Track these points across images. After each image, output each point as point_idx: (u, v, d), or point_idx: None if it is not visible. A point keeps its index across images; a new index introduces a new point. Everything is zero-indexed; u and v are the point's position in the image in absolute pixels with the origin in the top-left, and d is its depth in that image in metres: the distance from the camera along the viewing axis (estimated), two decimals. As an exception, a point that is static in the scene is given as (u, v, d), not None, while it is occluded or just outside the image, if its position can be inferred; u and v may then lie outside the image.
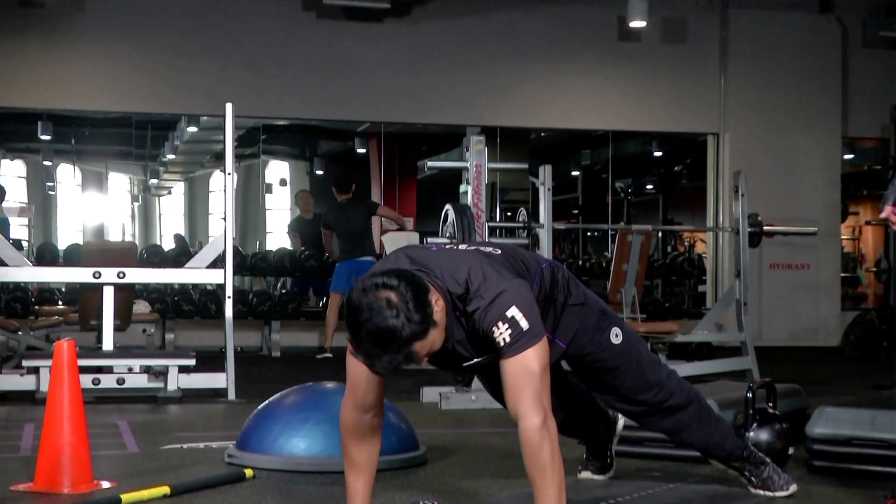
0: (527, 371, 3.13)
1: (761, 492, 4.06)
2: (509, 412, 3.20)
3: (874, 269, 15.33)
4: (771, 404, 4.63)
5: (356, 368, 3.32)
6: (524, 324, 3.14)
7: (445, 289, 3.20)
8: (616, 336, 3.75)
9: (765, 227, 8.79)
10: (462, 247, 3.44)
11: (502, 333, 3.13)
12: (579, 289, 3.68)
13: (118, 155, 16.75)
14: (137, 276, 7.94)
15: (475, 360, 3.34)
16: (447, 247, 3.47)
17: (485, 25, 12.97)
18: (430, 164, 7.72)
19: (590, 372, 3.84)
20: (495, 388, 3.58)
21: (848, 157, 14.84)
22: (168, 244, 15.84)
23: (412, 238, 10.96)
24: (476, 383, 6.96)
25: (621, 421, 4.35)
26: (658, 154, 17.30)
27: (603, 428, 4.33)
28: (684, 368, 7.84)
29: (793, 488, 4.05)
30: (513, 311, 3.15)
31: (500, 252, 3.41)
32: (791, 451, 4.54)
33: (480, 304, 3.17)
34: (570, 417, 4.11)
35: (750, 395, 4.48)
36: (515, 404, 3.14)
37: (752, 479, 4.07)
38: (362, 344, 3.05)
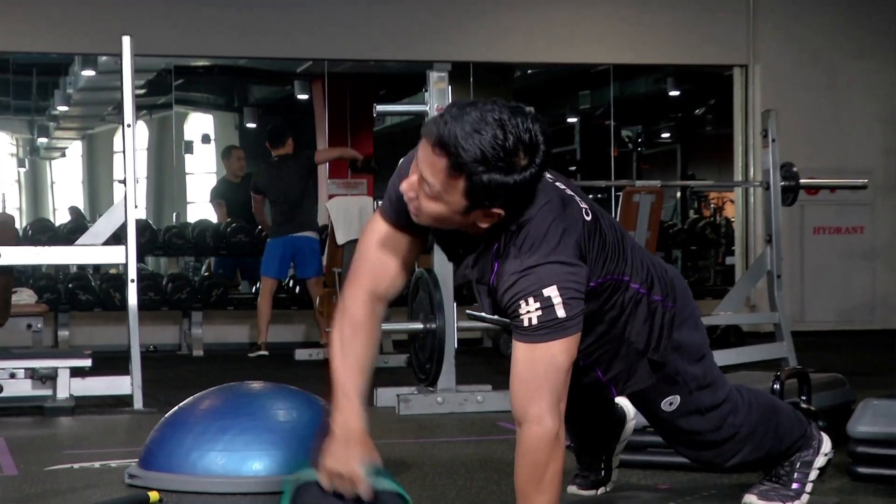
0: (551, 365, 3.16)
1: (754, 498, 4.06)
2: (514, 408, 3.22)
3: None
4: (804, 398, 4.66)
5: (381, 237, 3.41)
6: (560, 311, 3.15)
7: (502, 216, 3.21)
8: (669, 405, 3.76)
9: (802, 181, 8.83)
10: (557, 183, 3.40)
11: (530, 313, 3.15)
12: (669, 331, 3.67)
13: (-7, 108, 16.69)
14: (15, 256, 7.90)
15: (485, 314, 3.39)
16: (554, 181, 3.42)
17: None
18: (379, 108, 7.69)
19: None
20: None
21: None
22: (63, 218, 15.81)
23: (365, 203, 11.00)
24: (442, 381, 6.99)
25: (632, 421, 4.34)
26: (674, 94, 17.34)
27: (607, 426, 4.32)
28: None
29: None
30: (551, 292, 3.15)
31: (589, 218, 3.36)
32: (826, 463, 4.57)
33: (516, 262, 3.20)
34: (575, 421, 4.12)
35: (777, 386, 4.52)
36: (527, 402, 3.16)
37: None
38: (459, 106, 3.07)
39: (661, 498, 4.39)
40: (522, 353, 3.18)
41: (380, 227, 3.42)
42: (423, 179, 3.12)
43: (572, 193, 3.39)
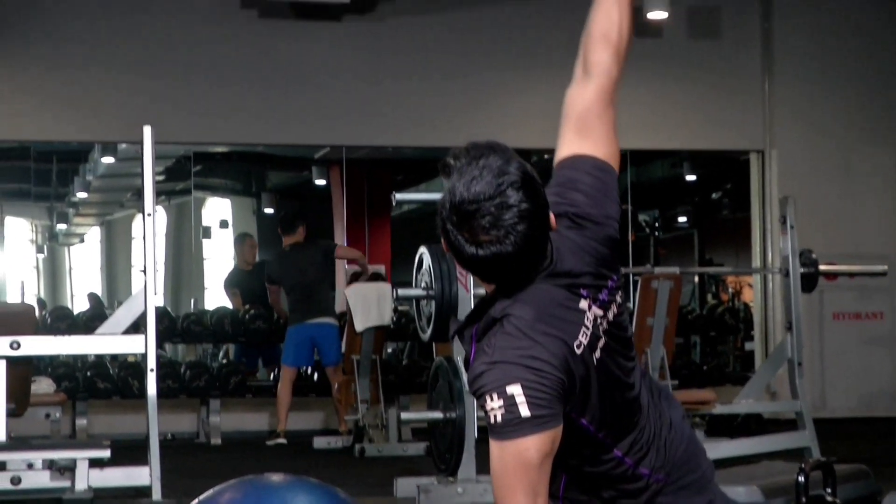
0: (521, 463, 3.09)
1: None
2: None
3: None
4: (829, 490, 4.62)
5: None
6: (524, 410, 3.06)
7: (484, 298, 3.18)
8: None
9: (821, 268, 8.81)
10: (596, 312, 3.22)
11: (494, 410, 3.08)
12: None
13: (15, 195, 16.74)
14: (36, 346, 7.89)
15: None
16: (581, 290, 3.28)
17: (469, 21, 13.00)
18: (398, 197, 7.72)
19: None
20: None
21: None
22: (81, 304, 15.83)
23: (384, 290, 10.98)
24: (462, 471, 6.96)
25: None
26: (691, 178, 17.36)
27: None
28: (727, 447, 7.84)
29: None
30: (514, 389, 3.08)
31: (579, 352, 3.14)
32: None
33: (489, 354, 3.11)
34: None
35: (802, 479, 4.48)
36: (503, 500, 3.13)
37: None
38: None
39: None
40: (494, 450, 3.09)
41: None
42: None
43: (587, 322, 3.19)
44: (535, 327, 3.11)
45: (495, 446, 3.10)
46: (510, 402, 3.04)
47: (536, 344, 3.09)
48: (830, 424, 10.52)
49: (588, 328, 3.15)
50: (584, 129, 3.40)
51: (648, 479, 3.38)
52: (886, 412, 13.28)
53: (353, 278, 12.04)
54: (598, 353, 3.18)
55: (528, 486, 3.09)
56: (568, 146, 3.38)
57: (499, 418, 3.06)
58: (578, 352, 3.14)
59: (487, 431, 3.14)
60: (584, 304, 3.17)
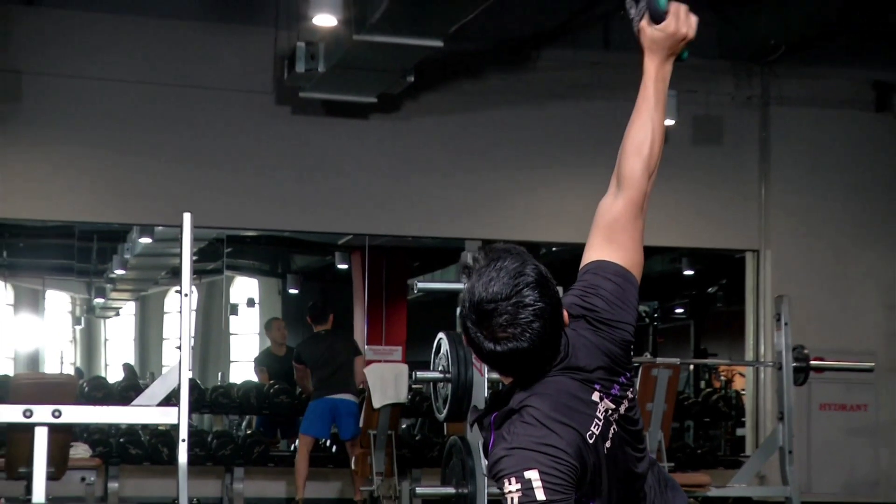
0: None
1: None
2: None
3: (944, 411, 15.28)
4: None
5: None
6: (540, 494, 3.08)
7: (503, 390, 3.19)
8: None
9: (812, 362, 8.82)
10: (608, 404, 3.21)
11: (511, 493, 3.09)
12: None
13: (57, 270, 16.81)
14: (76, 415, 7.88)
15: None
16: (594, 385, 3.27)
17: (486, 123, 13.05)
18: (420, 285, 7.74)
19: None
20: None
21: (911, 277, 14.89)
22: (115, 374, 15.82)
23: (401, 370, 10.99)
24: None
25: None
26: (689, 273, 17.37)
27: None
28: (720, 528, 7.80)
29: None
30: (531, 475, 3.10)
31: (591, 441, 3.15)
32: None
33: (504, 442, 3.12)
34: None
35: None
36: None
37: None
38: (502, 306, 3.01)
39: None
40: None
41: None
42: None
43: (599, 413, 3.18)
44: (550, 416, 3.13)
45: None
46: (527, 486, 3.06)
47: (552, 433, 3.11)
48: (816, 509, 10.47)
49: (600, 420, 3.16)
50: (611, 237, 3.43)
51: None
52: (868, 498, 13.22)
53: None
54: (608, 444, 3.19)
55: None
56: (595, 251, 3.41)
57: (515, 501, 3.08)
58: (591, 441, 3.15)
59: None
60: (595, 396, 3.18)
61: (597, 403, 3.17)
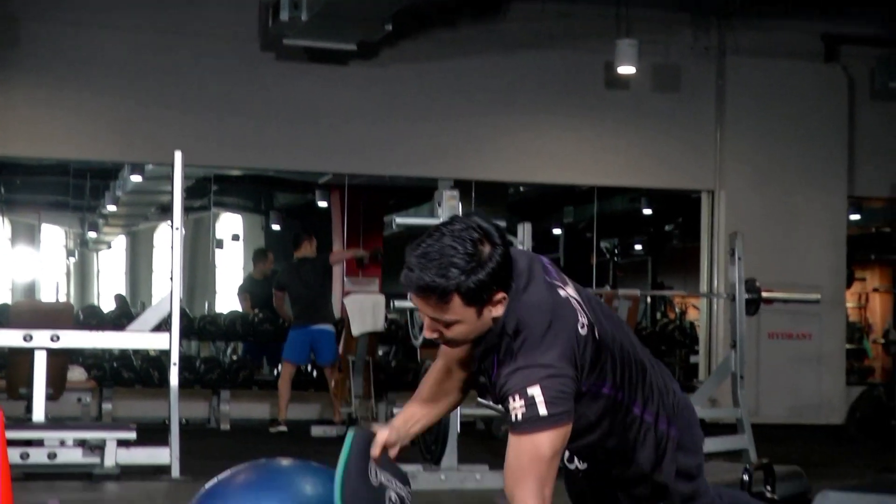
0: (535, 455, 3.15)
1: None
2: (505, 491, 3.21)
3: (882, 341, 15.44)
4: (769, 488, 4.66)
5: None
6: (542, 409, 3.14)
7: (503, 318, 3.22)
8: None
9: (763, 294, 8.87)
10: (561, 294, 3.32)
11: (516, 409, 3.15)
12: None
13: (53, 206, 16.74)
14: (73, 339, 7.92)
15: (492, 405, 3.40)
16: (554, 281, 3.36)
17: (460, 70, 13.03)
18: (398, 220, 7.76)
19: None
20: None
21: (854, 217, 14.96)
22: (107, 304, 15.80)
23: (378, 300, 11.00)
24: (446, 461, 6.97)
25: None
26: (647, 212, 17.42)
27: None
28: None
29: None
30: (534, 391, 3.15)
31: (584, 332, 3.26)
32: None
33: (512, 363, 3.20)
34: None
35: (746, 477, 4.51)
36: (514, 487, 3.16)
37: None
38: (418, 248, 3.12)
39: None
40: (512, 443, 3.18)
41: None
42: (433, 319, 3.17)
43: (577, 308, 3.30)
44: (545, 335, 3.19)
45: (514, 440, 3.16)
46: (530, 402, 3.12)
47: (549, 349, 3.17)
48: (764, 430, 10.54)
49: (580, 309, 3.27)
50: None
51: (668, 429, 3.46)
52: (811, 420, 13.35)
53: (361, 262, 12.19)
54: (598, 327, 3.30)
55: (538, 477, 3.13)
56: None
57: (519, 416, 3.14)
58: (583, 332, 3.26)
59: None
60: (563, 293, 3.31)
61: (568, 298, 3.30)
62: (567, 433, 3.21)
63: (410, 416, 3.54)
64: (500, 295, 3.17)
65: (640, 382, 3.44)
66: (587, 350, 3.27)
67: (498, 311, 3.19)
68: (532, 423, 3.14)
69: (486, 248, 3.12)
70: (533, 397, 3.14)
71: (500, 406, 3.36)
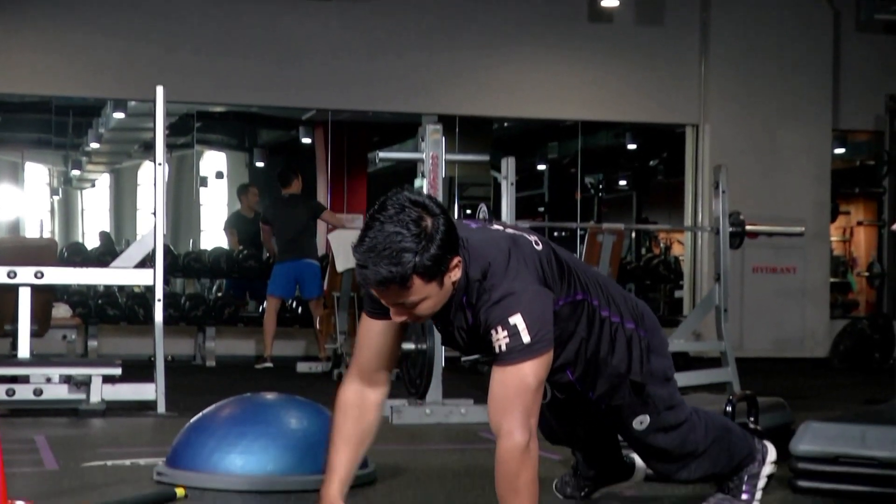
0: (521, 384, 3.17)
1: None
2: (490, 423, 3.23)
3: (866, 274, 15.46)
4: (752, 419, 4.67)
5: (365, 333, 3.47)
6: (525, 337, 3.16)
7: (465, 269, 3.25)
8: (640, 423, 3.77)
9: (747, 227, 8.87)
10: (499, 228, 3.46)
11: (499, 340, 3.18)
12: (633, 356, 3.68)
13: (35, 143, 16.65)
14: (57, 276, 7.90)
15: (472, 356, 3.43)
16: (487, 226, 3.49)
17: (443, 4, 12.99)
18: (381, 155, 7.74)
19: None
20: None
21: (839, 151, 14.95)
22: (91, 242, 15.77)
23: (362, 237, 10.98)
24: (431, 394, 6.99)
25: (641, 470, 4.34)
26: (632, 147, 17.37)
27: (618, 470, 4.32)
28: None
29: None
30: (516, 319, 3.18)
31: (540, 248, 3.41)
32: (773, 470, 4.59)
33: (487, 300, 3.23)
34: (592, 450, 4.14)
35: (729, 408, 4.52)
36: (500, 418, 3.18)
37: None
38: (362, 244, 3.13)
39: (625, 504, 4.40)
40: (496, 375, 3.21)
41: (367, 324, 3.49)
42: (397, 304, 3.18)
43: (520, 232, 3.44)
44: (508, 262, 3.22)
45: (498, 372, 3.18)
46: (514, 332, 3.15)
47: (518, 274, 3.23)
48: (747, 363, 10.59)
49: (524, 231, 3.44)
50: None
51: (636, 330, 3.54)
52: (795, 353, 13.42)
53: None
54: (551, 245, 3.48)
55: (525, 407, 3.16)
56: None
57: (504, 346, 3.16)
58: (540, 248, 3.40)
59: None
60: (497, 225, 3.47)
61: (505, 226, 3.48)
62: (550, 361, 3.24)
63: (346, 475, 3.50)
64: (456, 259, 3.20)
65: (603, 289, 3.59)
66: (552, 265, 3.36)
67: (457, 274, 3.22)
68: (517, 353, 3.16)
69: (429, 221, 3.12)
70: (515, 326, 3.16)
71: (476, 355, 3.40)
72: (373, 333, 3.46)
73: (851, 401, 8.50)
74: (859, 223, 18.01)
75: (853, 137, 15.65)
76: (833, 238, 16.13)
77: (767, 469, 4.10)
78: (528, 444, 3.14)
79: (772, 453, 4.12)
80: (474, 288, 3.27)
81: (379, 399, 3.52)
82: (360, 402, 3.48)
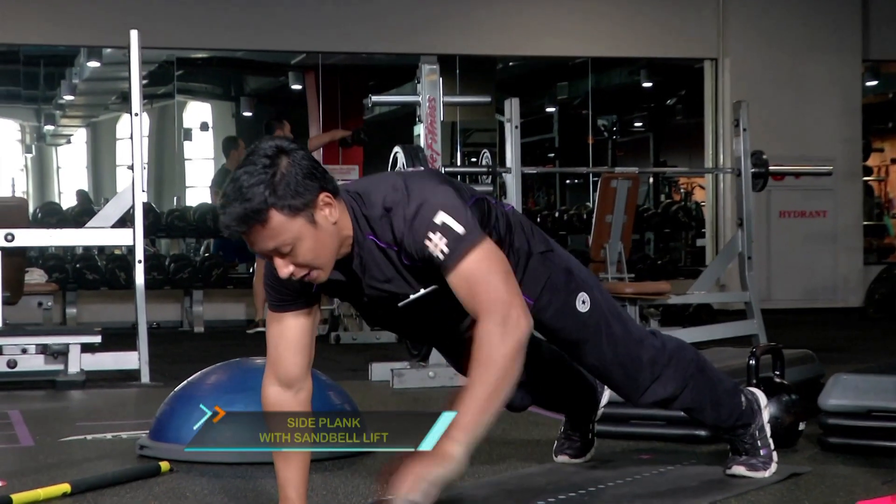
0: (478, 269, 3.13)
1: (742, 469, 4.11)
2: (472, 313, 3.15)
3: (903, 216, 15.46)
4: (778, 373, 4.67)
5: (274, 330, 3.39)
6: (458, 228, 3.14)
7: (359, 211, 3.22)
8: (583, 303, 3.76)
9: (771, 168, 8.84)
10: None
11: (437, 245, 3.13)
12: (544, 237, 3.72)
13: (4, 97, 16.62)
14: (29, 238, 7.89)
15: (412, 295, 3.34)
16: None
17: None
18: (374, 99, 7.71)
19: (554, 342, 3.89)
20: (455, 356, 3.64)
21: (871, 84, 14.93)
22: (68, 202, 15.77)
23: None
24: (434, 356, 7.00)
25: (606, 394, 4.38)
26: (647, 85, 17.37)
27: (585, 399, 4.36)
28: (680, 335, 7.89)
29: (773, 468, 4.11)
30: (441, 217, 3.14)
31: (439, 175, 3.43)
32: (802, 426, 4.60)
33: (402, 222, 3.17)
34: (546, 388, 4.16)
35: (752, 362, 4.52)
36: (475, 309, 3.15)
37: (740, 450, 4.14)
38: (219, 205, 3.15)
39: (642, 466, 4.41)
40: (454, 281, 3.14)
41: (272, 319, 3.43)
42: (273, 251, 3.13)
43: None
44: (407, 183, 3.23)
45: (453, 278, 3.15)
46: (445, 229, 3.13)
47: (424, 186, 3.26)
48: (776, 314, 10.62)
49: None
50: None
51: (514, 212, 3.67)
52: (826, 303, 13.43)
53: (344, 142, 12.14)
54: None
55: (503, 270, 3.16)
56: None
57: (444, 249, 3.13)
58: (431, 171, 3.52)
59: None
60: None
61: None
62: (496, 245, 3.24)
63: (299, 488, 3.51)
64: (324, 194, 3.12)
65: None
66: (464, 189, 3.36)
67: (332, 213, 3.14)
68: (459, 245, 3.13)
69: (282, 158, 3.08)
70: (444, 223, 3.14)
71: (424, 289, 3.35)
72: (281, 328, 3.40)
73: (887, 352, 8.50)
74: (894, 161, 17.97)
75: (886, 68, 15.61)
76: (866, 178, 16.10)
77: (766, 415, 4.15)
78: (506, 317, 3.07)
79: (762, 398, 4.16)
80: (384, 224, 3.22)
81: (306, 400, 3.46)
82: (287, 404, 3.44)
